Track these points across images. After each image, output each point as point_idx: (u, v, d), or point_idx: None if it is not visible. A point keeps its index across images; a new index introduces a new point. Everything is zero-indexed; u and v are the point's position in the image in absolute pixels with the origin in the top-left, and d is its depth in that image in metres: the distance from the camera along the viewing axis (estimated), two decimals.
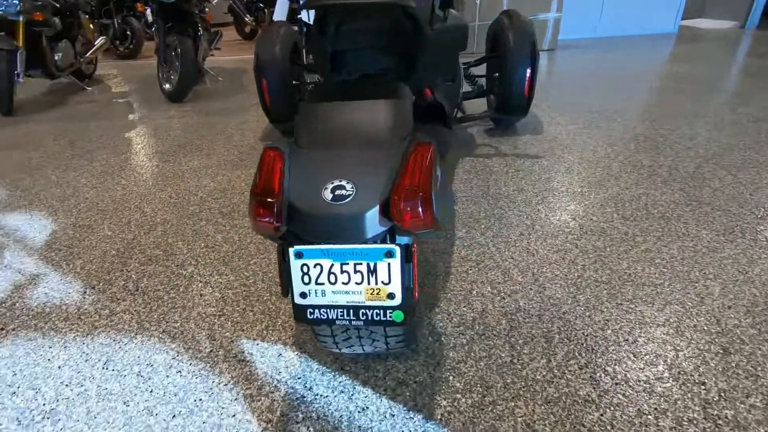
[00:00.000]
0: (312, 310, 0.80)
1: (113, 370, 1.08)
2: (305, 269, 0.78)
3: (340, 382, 1.00)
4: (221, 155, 2.40)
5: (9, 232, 1.74)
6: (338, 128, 0.87)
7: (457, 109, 2.21)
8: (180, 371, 1.06)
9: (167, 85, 3.68)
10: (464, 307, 1.21)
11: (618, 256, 1.39)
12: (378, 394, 0.97)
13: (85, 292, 1.36)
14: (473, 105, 2.99)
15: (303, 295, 0.79)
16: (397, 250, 0.77)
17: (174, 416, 0.95)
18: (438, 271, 1.36)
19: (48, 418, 0.96)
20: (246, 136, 2.66)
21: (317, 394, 0.98)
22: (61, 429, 0.93)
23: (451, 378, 1.00)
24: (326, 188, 0.76)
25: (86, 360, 1.11)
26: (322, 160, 0.82)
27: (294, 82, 2.52)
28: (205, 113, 3.23)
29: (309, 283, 0.79)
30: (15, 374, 1.08)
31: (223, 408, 0.96)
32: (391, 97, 0.92)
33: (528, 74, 2.21)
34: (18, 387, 1.04)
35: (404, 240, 0.79)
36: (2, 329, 1.23)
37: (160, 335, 1.18)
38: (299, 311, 0.80)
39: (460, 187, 1.88)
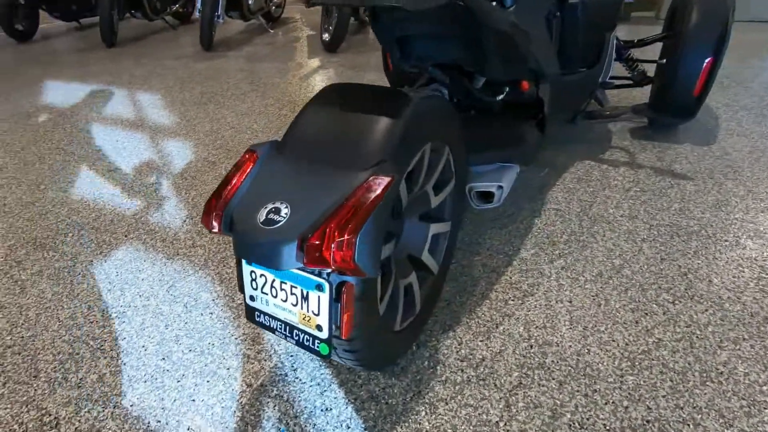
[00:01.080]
0: (259, 314, 0.82)
1: (172, 294, 1.31)
2: (253, 275, 0.80)
3: (321, 374, 1.04)
4: None
5: (164, 155, 2.17)
6: (316, 139, 0.82)
7: (590, 101, 1.83)
8: (212, 313, 1.23)
9: (325, 35, 3.93)
10: (481, 341, 1.09)
11: (720, 343, 1.04)
12: (347, 401, 0.97)
13: (184, 221, 1.65)
14: (626, 96, 2.44)
15: (251, 298, 0.82)
16: (327, 286, 0.73)
17: (189, 351, 1.12)
18: (475, 291, 1.23)
19: (118, 318, 1.24)
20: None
21: (297, 378, 1.03)
22: (122, 329, 1.19)
23: (422, 413, 0.93)
24: (265, 207, 0.74)
25: (159, 280, 1.37)
26: (282, 173, 0.79)
27: None
28: (352, 66, 3.37)
29: (256, 289, 0.81)
30: (117, 275, 1.41)
31: (223, 359, 1.10)
32: (383, 112, 0.82)
33: (705, 66, 1.68)
34: (113, 286, 1.36)
35: (339, 278, 0.74)
36: (126, 235, 1.60)
37: (214, 276, 1.37)
38: (249, 311, 0.84)
39: (556, 196, 1.61)
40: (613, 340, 1.07)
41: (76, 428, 0.95)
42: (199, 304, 1.26)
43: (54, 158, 2.19)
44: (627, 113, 1.88)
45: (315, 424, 0.93)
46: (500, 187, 1.23)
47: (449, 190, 1.10)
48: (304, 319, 0.76)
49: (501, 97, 1.38)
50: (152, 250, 1.50)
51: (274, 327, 0.80)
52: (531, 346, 1.07)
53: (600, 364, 1.02)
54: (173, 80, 3.25)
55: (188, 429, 0.94)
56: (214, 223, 0.74)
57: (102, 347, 1.14)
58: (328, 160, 0.78)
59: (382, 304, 0.87)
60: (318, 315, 0.74)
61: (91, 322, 1.22)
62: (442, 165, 1.05)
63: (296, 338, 0.78)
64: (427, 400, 0.96)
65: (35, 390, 1.05)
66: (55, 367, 1.10)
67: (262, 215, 0.72)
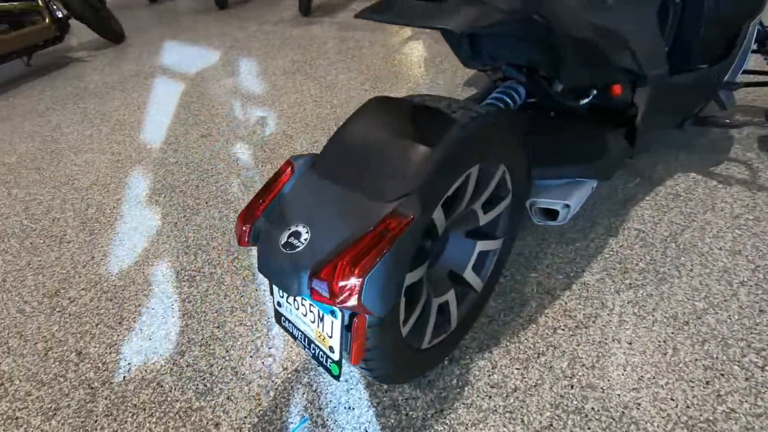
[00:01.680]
0: (284, 320, 0.84)
1: (235, 266, 1.42)
2: None
3: (350, 371, 1.07)
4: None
5: (250, 125, 2.31)
6: (349, 160, 0.78)
7: (707, 104, 1.53)
8: (265, 291, 1.32)
9: None
10: (517, 369, 1.03)
11: None
12: (370, 404, 0.99)
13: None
14: (764, 95, 1.99)
15: (279, 304, 0.84)
16: (339, 314, 0.72)
17: (240, 324, 1.22)
18: (523, 312, 1.15)
19: (188, 281, 1.38)
20: (453, 76, 2.56)
21: None
22: (189, 293, 1.33)
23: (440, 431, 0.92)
24: (288, 229, 0.73)
25: (227, 250, 1.49)
26: (311, 192, 0.77)
27: None
28: (441, 40, 3.20)
29: (282, 297, 0.83)
30: (194, 239, 1.56)
31: (268, 338, 1.18)
32: (421, 138, 0.76)
33: None
34: (189, 249, 1.51)
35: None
36: (207, 202, 1.75)
37: None
38: (276, 315, 0.87)
39: (642, 213, 1.40)
40: (672, 399, 0.94)
41: (142, 377, 1.11)
42: (255, 279, 1.36)
43: (160, 119, 2.45)
44: (756, 121, 1.54)
45: (336, 420, 0.97)
46: (567, 206, 1.10)
47: (503, 208, 1.01)
48: (319, 336, 0.78)
49: (586, 101, 1.21)
50: (225, 220, 1.63)
51: (296, 335, 0.83)
52: (572, 386, 0.99)
53: (648, 425, 0.91)
54: (269, 46, 3.39)
55: (228, 398, 1.05)
56: (244, 237, 0.78)
57: (172, 306, 1.30)
58: (357, 185, 0.76)
59: (406, 326, 0.86)
60: (331, 337, 0.75)
61: (167, 281, 1.39)
62: (494, 184, 0.97)
63: (312, 351, 0.80)
64: (447, 421, 0.95)
65: (118, 335, 1.23)
66: (135, 318, 1.28)
67: (284, 237, 0.73)
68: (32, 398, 1.09)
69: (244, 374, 1.09)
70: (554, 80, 1.22)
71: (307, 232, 0.72)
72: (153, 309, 1.29)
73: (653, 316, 1.11)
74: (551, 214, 1.13)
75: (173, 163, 2.02)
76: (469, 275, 1.01)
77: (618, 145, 1.19)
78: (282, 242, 0.73)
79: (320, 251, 0.69)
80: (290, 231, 0.74)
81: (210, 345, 1.17)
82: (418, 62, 2.79)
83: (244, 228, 0.78)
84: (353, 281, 0.64)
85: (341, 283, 0.65)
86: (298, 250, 0.71)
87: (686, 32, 1.30)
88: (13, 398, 1.09)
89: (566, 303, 1.17)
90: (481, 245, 1.02)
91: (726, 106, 1.60)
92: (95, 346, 1.20)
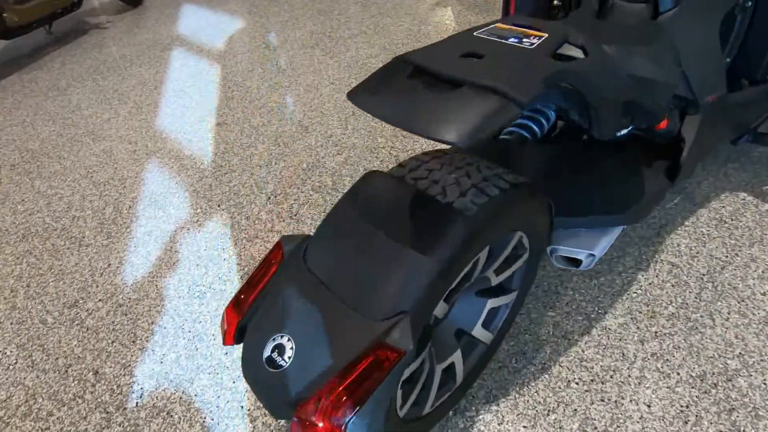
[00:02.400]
0: None
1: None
2: None
3: None
4: None
5: (264, 113, 2.20)
6: (344, 253, 0.69)
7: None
8: None
9: None
10: (524, 426, 0.98)
11: None
12: None
13: (269, 198, 1.71)
14: None
15: None
16: None
17: None
18: (536, 359, 1.08)
19: (199, 298, 1.38)
20: None
21: None
22: (200, 311, 1.33)
23: None
24: (273, 339, 0.67)
25: (237, 263, 1.47)
26: (299, 293, 0.70)
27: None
28: (473, 5, 2.90)
29: None
30: (205, 249, 1.55)
31: None
32: (419, 239, 0.65)
33: None
34: (201, 261, 1.50)
35: None
36: (219, 205, 1.71)
37: None
38: None
39: (679, 243, 1.26)
40: None
41: (153, 404, 1.14)
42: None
43: (176, 102, 2.38)
44: None
45: None
46: (591, 255, 1.00)
47: (518, 266, 0.92)
48: None
49: (623, 132, 1.05)
50: (237, 227, 1.60)
51: None
52: None
53: None
54: (288, 14, 3.17)
55: None
56: (229, 337, 0.74)
57: (183, 326, 1.31)
58: (347, 291, 0.68)
59: (404, 408, 0.81)
60: None
61: (179, 297, 1.39)
62: (509, 250, 0.87)
63: None
64: None
65: (132, 355, 1.26)
66: (147, 337, 1.30)
67: (267, 348, 0.68)
68: (54, 419, 1.14)
69: (249, 410, 1.10)
70: None
71: (291, 348, 0.67)
72: (165, 328, 1.30)
73: (678, 374, 1.03)
74: (574, 261, 1.04)
75: (188, 156, 1.97)
76: (478, 332, 0.95)
77: (657, 183, 1.05)
78: (265, 355, 0.68)
79: (304, 377, 0.64)
80: (274, 342, 0.68)
81: (218, 373, 1.18)
82: (445, 35, 2.56)
83: (228, 327, 0.73)
84: (337, 423, 0.59)
85: (325, 421, 0.60)
86: (281, 370, 0.66)
87: (756, 41, 1.09)
88: (37, 417, 1.15)
89: (583, 351, 1.10)
90: (493, 302, 0.94)
91: None
92: (110, 366, 1.24)
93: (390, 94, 0.64)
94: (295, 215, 1.60)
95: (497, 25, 0.74)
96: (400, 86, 0.64)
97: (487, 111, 0.58)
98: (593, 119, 0.79)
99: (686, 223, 1.35)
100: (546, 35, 0.68)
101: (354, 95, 0.67)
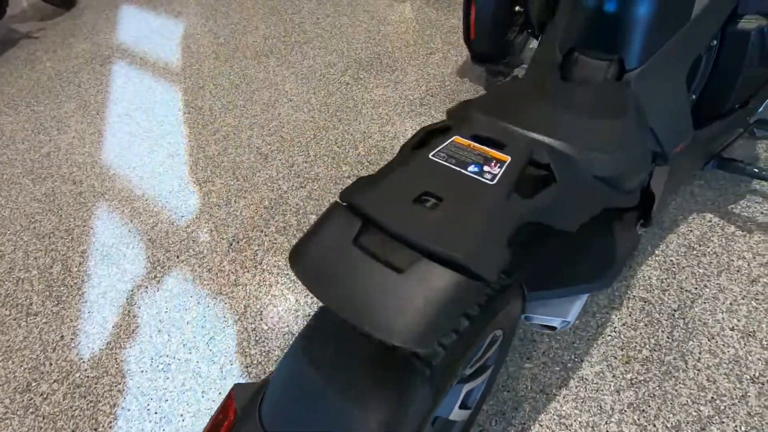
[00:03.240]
0: None
1: (211, 350, 1.33)
2: None
3: None
4: (412, 81, 2.10)
5: (219, 139, 2.05)
6: (297, 415, 0.62)
7: (734, 141, 1.30)
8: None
9: None
10: None
11: None
12: None
13: (231, 245, 1.60)
14: None
15: None
16: None
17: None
18: (515, 419, 1.05)
19: (163, 371, 1.30)
20: (445, 62, 2.21)
21: None
22: (166, 387, 1.24)
23: None
24: None
25: (202, 327, 1.38)
26: None
27: (517, 8, 1.85)
28: (435, 7, 2.75)
29: None
30: (166, 311, 1.45)
31: None
32: (380, 404, 0.57)
33: None
34: (162, 326, 1.40)
35: None
36: (178, 256, 1.60)
37: (250, 333, 1.33)
38: None
39: (650, 275, 1.25)
40: None
41: None
42: (233, 369, 1.27)
43: (122, 129, 2.18)
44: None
45: None
46: (565, 321, 0.97)
47: (492, 351, 0.88)
48: None
49: None
50: (198, 281, 1.50)
51: None
52: None
53: None
54: (238, 15, 2.93)
55: None
56: None
57: (148, 406, 1.23)
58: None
59: None
60: None
61: (142, 371, 1.30)
62: (483, 348, 0.82)
63: None
64: None
65: None
66: (110, 422, 1.22)
67: None
68: None
69: None
70: None
71: None
72: (129, 410, 1.22)
73: (654, 425, 1.03)
74: (548, 326, 1.00)
75: (139, 197, 1.83)
76: (455, 415, 0.91)
77: (628, 241, 1.01)
78: None
79: None
80: None
81: None
82: (405, 37, 2.42)
83: None
84: None
85: None
86: None
87: (721, 78, 1.05)
88: None
89: (562, 406, 1.09)
90: (469, 386, 0.90)
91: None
92: None
93: (332, 268, 0.55)
94: (260, 264, 1.51)
95: (455, 139, 0.65)
96: (343, 255, 0.56)
97: (447, 298, 0.51)
98: (557, 225, 0.74)
99: (656, 252, 1.34)
100: (508, 159, 0.61)
101: (295, 262, 0.58)
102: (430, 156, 0.62)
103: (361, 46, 2.44)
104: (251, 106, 2.17)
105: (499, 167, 0.59)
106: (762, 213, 1.38)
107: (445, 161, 0.61)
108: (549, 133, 0.66)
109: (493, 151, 0.62)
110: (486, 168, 0.59)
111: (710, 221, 1.39)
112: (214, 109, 2.20)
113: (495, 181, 0.58)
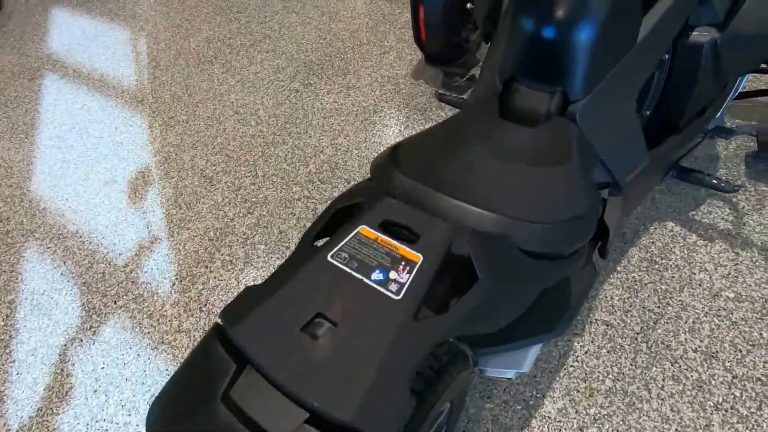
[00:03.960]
0: None
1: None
2: None
3: None
4: (367, 83, 1.96)
5: (159, 161, 1.89)
6: None
7: (694, 147, 1.24)
8: None
9: None
10: None
11: None
12: None
13: (173, 284, 1.48)
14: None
15: None
16: None
17: None
18: None
19: (107, 431, 1.19)
20: (399, 62, 2.07)
21: None
22: None
23: None
24: None
25: (142, 383, 1.27)
26: None
27: (469, 5, 1.73)
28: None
29: None
30: (103, 367, 1.33)
31: None
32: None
33: None
34: (99, 385, 1.27)
35: None
36: (115, 302, 1.47)
37: None
38: None
39: (612, 295, 1.18)
40: None
41: None
42: None
43: (54, 155, 1.99)
44: (756, 160, 1.27)
45: None
46: (521, 372, 0.90)
47: (442, 417, 0.81)
48: None
49: None
50: (138, 330, 1.38)
51: None
52: None
53: None
54: (180, 16, 2.71)
55: None
56: None
57: None
58: None
59: None
60: None
61: None
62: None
63: None
64: None
65: None
66: None
67: None
68: None
69: None
70: None
71: None
72: None
73: None
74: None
75: (73, 234, 1.67)
76: None
77: (583, 280, 0.94)
78: None
79: None
80: None
81: None
82: (358, 35, 2.27)
83: None
84: None
85: None
86: None
87: (675, 92, 0.97)
88: None
89: None
90: None
91: (728, 134, 1.30)
92: None
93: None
94: (205, 305, 1.40)
95: (361, 230, 0.55)
96: (208, 419, 0.45)
97: None
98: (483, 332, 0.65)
99: (618, 268, 1.28)
100: (420, 260, 0.52)
101: (151, 425, 0.47)
102: (329, 258, 0.52)
103: (312, 47, 2.28)
104: (194, 122, 2.01)
105: (407, 272, 0.50)
106: (723, 218, 1.34)
107: (346, 265, 0.51)
108: (477, 199, 0.57)
109: (403, 247, 0.52)
110: (392, 274, 0.50)
111: (672, 230, 1.33)
112: (154, 127, 2.03)
113: (401, 296, 0.48)
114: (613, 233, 0.92)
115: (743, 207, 1.35)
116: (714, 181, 1.17)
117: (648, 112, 1.02)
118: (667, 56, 0.93)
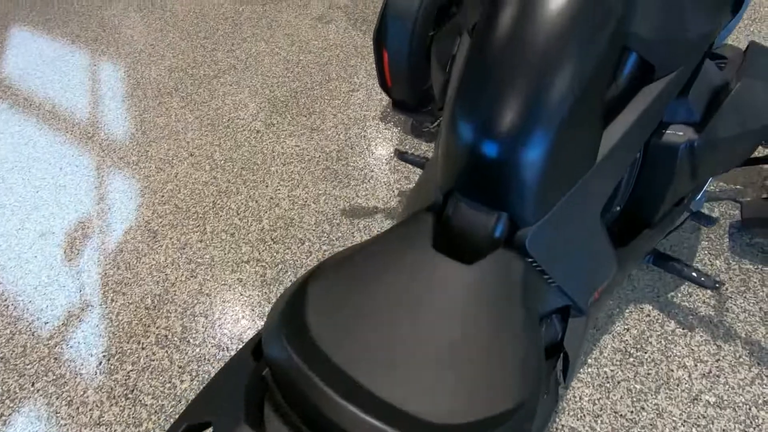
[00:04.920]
0: None
1: None
2: None
3: None
4: (332, 122, 1.81)
5: (100, 208, 1.73)
6: None
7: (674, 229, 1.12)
8: None
9: None
10: None
11: None
12: None
13: (100, 363, 1.33)
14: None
15: None
16: None
17: None
18: None
19: None
20: (368, 102, 1.93)
21: None
22: None
23: None
24: None
25: None
26: None
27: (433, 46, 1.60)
28: (361, 20, 2.44)
29: None
30: None
31: None
32: None
33: None
34: None
35: None
36: (33, 384, 1.32)
37: None
38: None
39: (581, 394, 1.04)
40: None
41: None
42: None
43: None
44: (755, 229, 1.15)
45: None
46: None
47: None
48: None
49: None
50: (54, 421, 1.21)
51: None
52: None
53: None
54: (144, 40, 2.55)
55: None
56: None
57: None
58: None
59: None
60: None
61: None
62: None
63: None
64: None
65: None
66: None
67: None
68: None
69: None
70: None
71: None
72: None
73: None
74: None
75: None
76: None
77: (546, 408, 0.81)
78: None
79: None
80: None
81: None
82: (327, 69, 2.13)
83: None
84: None
85: None
86: None
87: (648, 187, 0.84)
88: None
89: None
90: None
91: (709, 222, 1.17)
92: None
93: None
94: (132, 391, 1.25)
95: None
96: None
97: None
98: None
99: (589, 360, 1.15)
100: None
101: None
102: None
103: (278, 81, 2.14)
104: (145, 164, 1.86)
105: None
106: (704, 302, 1.21)
107: None
108: (392, 395, 0.44)
109: None
110: None
111: (648, 315, 1.21)
112: (101, 169, 1.88)
113: None
114: (574, 359, 0.80)
115: (726, 288, 1.23)
116: (693, 273, 1.04)
117: (618, 208, 0.89)
118: (638, 155, 0.81)
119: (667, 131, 0.76)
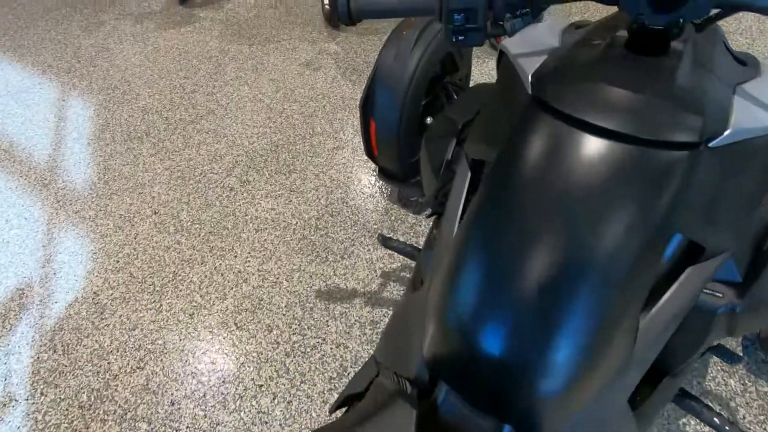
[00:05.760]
0: None
1: None
2: None
3: None
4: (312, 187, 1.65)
5: (53, 274, 1.53)
6: None
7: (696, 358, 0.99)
8: None
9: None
10: None
11: None
12: None
13: None
14: None
15: None
16: None
17: None
18: None
19: None
20: (353, 162, 1.78)
21: None
22: None
23: None
24: None
25: None
26: None
27: (429, 119, 1.48)
28: (352, 63, 2.33)
29: None
30: None
31: None
32: None
33: None
34: None
35: None
36: None
37: None
38: None
39: None
40: None
41: None
42: None
43: None
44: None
45: None
46: None
47: None
48: None
49: None
50: None
51: None
52: None
53: None
54: (119, 76, 2.38)
55: None
56: None
57: None
58: None
59: None
60: None
61: None
62: None
63: None
64: None
65: None
66: None
67: None
68: None
69: None
70: None
71: None
72: None
73: None
74: None
75: None
76: None
77: None
78: None
79: None
80: None
81: None
82: (312, 122, 2.00)
83: None
84: None
85: None
86: None
87: (675, 347, 0.71)
88: None
89: None
90: None
91: (732, 360, 1.04)
92: None
93: None
94: None
95: None
96: None
97: None
98: None
99: None
100: None
101: None
102: None
103: (258, 131, 1.99)
104: (103, 220, 1.67)
105: None
106: None
107: None
108: None
109: None
110: None
111: None
112: (52, 224, 1.68)
113: None
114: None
115: (743, 416, 1.09)
116: (715, 420, 0.90)
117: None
118: None
119: (705, 291, 0.63)
